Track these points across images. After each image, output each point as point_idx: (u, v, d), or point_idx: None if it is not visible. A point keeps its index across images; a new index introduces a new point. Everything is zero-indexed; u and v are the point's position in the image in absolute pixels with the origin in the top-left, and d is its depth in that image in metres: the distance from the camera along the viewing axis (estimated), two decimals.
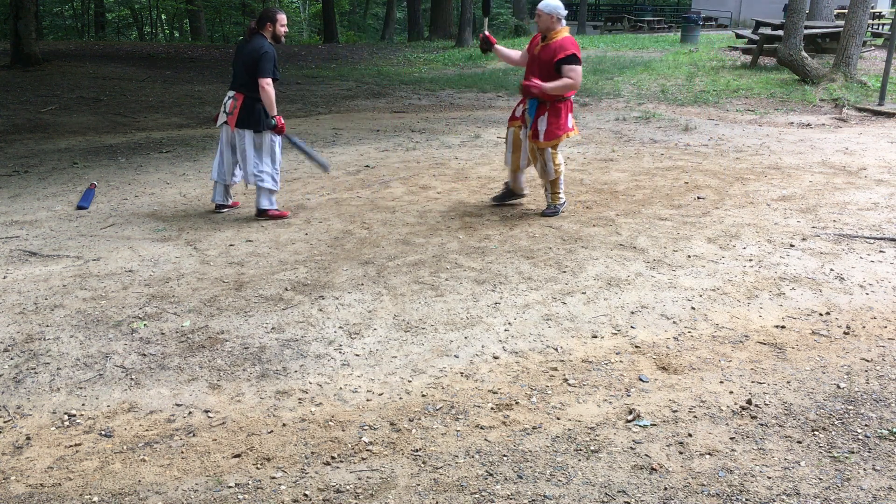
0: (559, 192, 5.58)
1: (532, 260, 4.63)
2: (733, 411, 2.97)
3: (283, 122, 5.44)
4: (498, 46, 5.67)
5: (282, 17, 5.42)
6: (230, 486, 2.53)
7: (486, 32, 5.69)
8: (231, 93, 5.46)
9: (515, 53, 5.76)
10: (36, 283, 4.28)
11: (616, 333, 3.66)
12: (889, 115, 10.33)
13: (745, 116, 10.54)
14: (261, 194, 5.57)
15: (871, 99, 11.26)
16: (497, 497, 2.46)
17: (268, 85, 5.26)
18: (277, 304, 4.00)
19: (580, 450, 2.72)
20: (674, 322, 3.78)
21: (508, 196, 5.89)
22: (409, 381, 3.21)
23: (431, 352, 3.47)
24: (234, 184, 5.80)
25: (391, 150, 8.29)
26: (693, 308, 3.94)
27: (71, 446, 2.77)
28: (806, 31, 13.27)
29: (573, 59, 5.16)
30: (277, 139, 5.52)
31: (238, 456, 2.70)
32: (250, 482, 2.55)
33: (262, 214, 5.62)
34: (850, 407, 3.00)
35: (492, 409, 3.00)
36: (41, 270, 4.50)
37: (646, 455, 2.68)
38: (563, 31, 5.28)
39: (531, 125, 5.37)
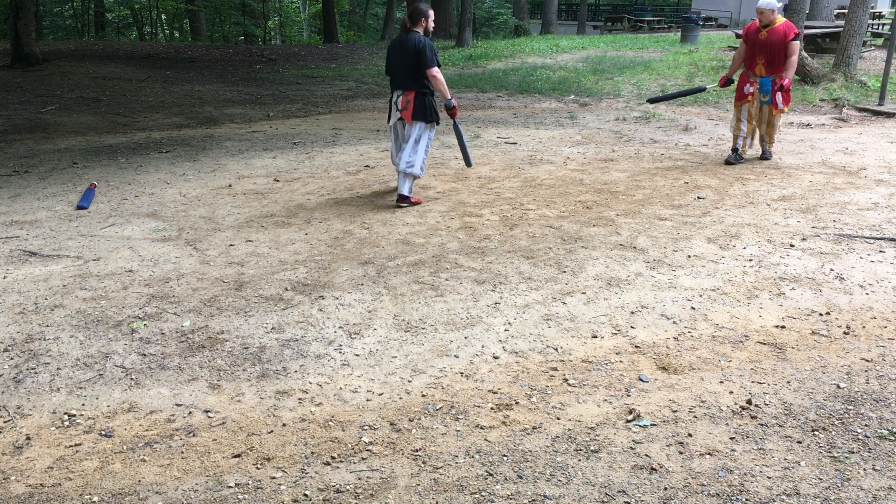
0: (774, 143, 7.57)
1: (532, 260, 4.63)
2: (733, 411, 2.97)
3: (456, 103, 6.00)
4: (730, 74, 7.50)
5: (431, 14, 5.96)
6: (230, 486, 2.53)
7: (725, 77, 7.57)
8: (399, 92, 5.87)
9: (737, 60, 7.41)
10: (36, 283, 4.28)
11: (616, 333, 3.66)
12: (889, 115, 10.33)
13: None
14: (406, 180, 5.93)
15: (871, 99, 11.26)
16: (497, 497, 2.46)
17: (437, 72, 5.74)
18: (277, 304, 4.00)
19: (580, 450, 2.72)
20: (674, 322, 3.78)
21: (739, 159, 7.44)
22: (409, 381, 3.21)
23: (431, 352, 3.47)
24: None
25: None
26: (693, 308, 3.94)
27: (71, 446, 2.77)
28: (806, 31, 13.27)
29: (797, 38, 7.00)
30: (433, 133, 6.03)
31: (238, 456, 2.70)
32: (250, 482, 2.55)
33: (403, 200, 5.95)
34: (850, 407, 3.00)
35: (492, 409, 3.00)
36: (41, 270, 4.50)
37: (646, 455, 2.68)
38: (780, 18, 7.05)
39: (771, 99, 7.12)
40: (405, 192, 5.92)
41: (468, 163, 6.39)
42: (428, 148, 5.99)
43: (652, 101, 8.75)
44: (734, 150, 7.41)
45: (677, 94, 8.50)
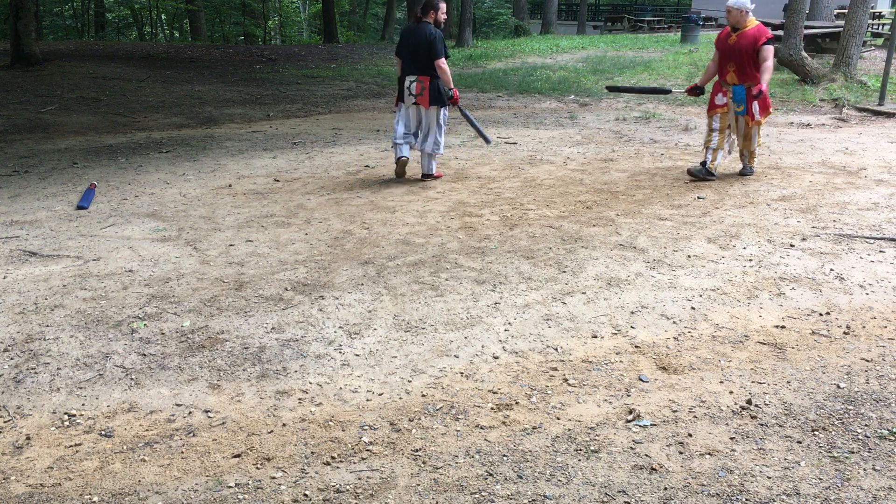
0: (755, 158, 6.89)
1: (532, 260, 4.63)
2: (733, 411, 2.97)
3: (457, 94, 6.48)
4: (702, 84, 6.85)
5: (443, 6, 6.31)
6: (230, 486, 2.53)
7: (694, 85, 6.99)
8: (413, 77, 6.32)
9: (710, 69, 6.71)
10: (36, 283, 4.28)
11: (616, 333, 3.66)
12: (889, 115, 10.33)
13: None
14: (432, 160, 6.69)
15: (871, 99, 11.26)
16: (497, 497, 2.46)
17: (444, 64, 6.21)
18: (277, 304, 4.00)
19: (580, 450, 2.72)
20: (674, 322, 3.78)
21: (706, 174, 6.65)
22: (409, 381, 3.21)
23: (431, 352, 3.47)
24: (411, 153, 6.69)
25: (391, 150, 8.28)
26: (693, 308, 3.94)
27: (71, 446, 2.77)
28: (806, 31, 13.27)
29: (771, 42, 6.25)
30: (446, 112, 6.57)
31: (238, 456, 2.70)
32: (250, 482, 2.55)
33: (428, 177, 6.74)
34: (850, 407, 2.99)
35: (492, 409, 3.00)
36: (41, 270, 4.50)
37: (646, 455, 2.68)
38: (752, 21, 6.34)
39: (746, 109, 6.39)
40: (432, 170, 6.70)
41: (487, 140, 6.99)
42: (445, 126, 6.61)
43: (610, 88, 8.27)
44: (702, 163, 6.63)
45: (640, 90, 8.09)
